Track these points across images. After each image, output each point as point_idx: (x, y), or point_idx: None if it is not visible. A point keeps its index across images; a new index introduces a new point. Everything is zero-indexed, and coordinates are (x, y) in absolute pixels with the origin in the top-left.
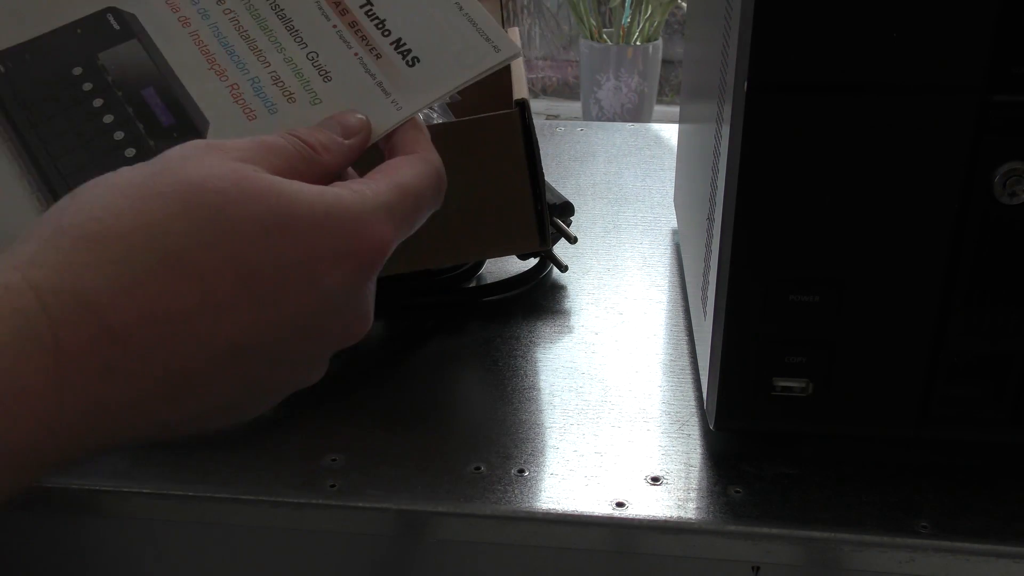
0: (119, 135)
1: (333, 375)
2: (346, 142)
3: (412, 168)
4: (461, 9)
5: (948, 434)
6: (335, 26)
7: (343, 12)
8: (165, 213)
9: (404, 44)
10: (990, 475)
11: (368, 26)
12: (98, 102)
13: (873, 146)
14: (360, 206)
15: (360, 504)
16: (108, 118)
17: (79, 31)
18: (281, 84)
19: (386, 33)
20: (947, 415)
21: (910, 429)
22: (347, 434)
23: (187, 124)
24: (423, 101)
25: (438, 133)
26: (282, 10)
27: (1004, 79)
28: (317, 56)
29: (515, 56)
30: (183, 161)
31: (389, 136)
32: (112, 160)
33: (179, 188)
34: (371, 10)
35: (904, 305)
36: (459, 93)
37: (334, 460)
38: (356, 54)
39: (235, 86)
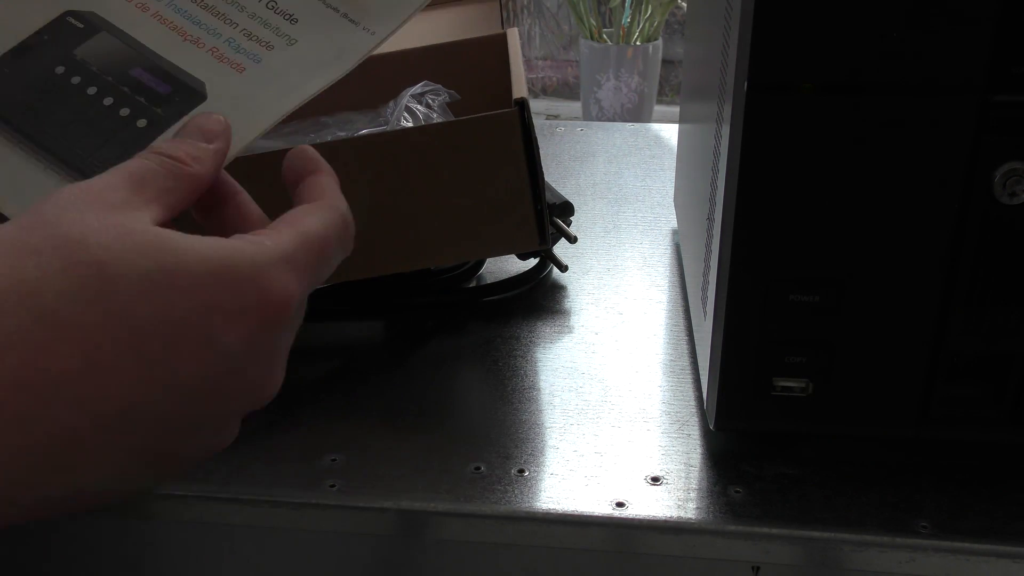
0: (125, 111)
1: (333, 375)
2: (211, 147)
3: (316, 216)
4: None
5: (948, 434)
6: None
7: None
8: (41, 271)
9: None
10: (990, 475)
11: None
12: (92, 90)
13: (873, 146)
14: (259, 257)
15: (360, 504)
16: (108, 100)
17: (45, 37)
18: (255, 38)
19: None
20: (947, 415)
21: (910, 429)
22: (347, 434)
23: (185, 88)
24: (392, 23)
25: (438, 133)
26: None
27: (1004, 79)
28: (276, 4)
29: None
30: (59, 215)
31: (296, 182)
32: (128, 135)
33: (57, 245)
34: None
35: (904, 305)
36: (459, 92)
37: (334, 460)
38: None
39: (215, 49)
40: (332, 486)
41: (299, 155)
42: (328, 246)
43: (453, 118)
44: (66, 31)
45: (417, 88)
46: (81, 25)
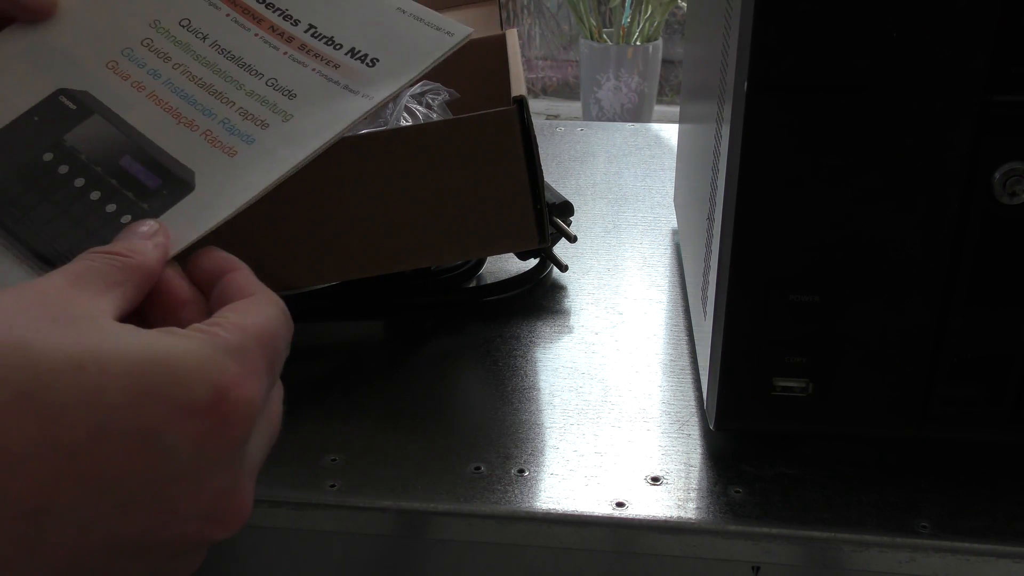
0: (111, 207)
1: (333, 375)
2: (149, 241)
3: (260, 311)
4: (404, 12)
5: (948, 434)
6: (285, 53)
7: (289, 40)
8: None
9: (359, 51)
10: (990, 475)
11: (318, 45)
12: (79, 181)
13: (873, 146)
14: (210, 349)
15: (360, 504)
16: (95, 194)
17: (36, 119)
18: (251, 117)
19: (338, 47)
20: (947, 415)
21: (910, 429)
22: (347, 434)
23: (173, 180)
24: (390, 89)
25: (437, 131)
26: (229, 51)
27: (1004, 79)
28: (277, 81)
29: (468, 36)
30: None
31: (211, 283)
32: (111, 231)
33: None
34: (316, 31)
35: (904, 305)
36: (458, 93)
37: (334, 460)
38: (314, 70)
39: (208, 132)
40: (332, 486)
41: (207, 256)
42: (278, 340)
43: (452, 116)
44: (57, 112)
45: (416, 88)
46: (73, 106)
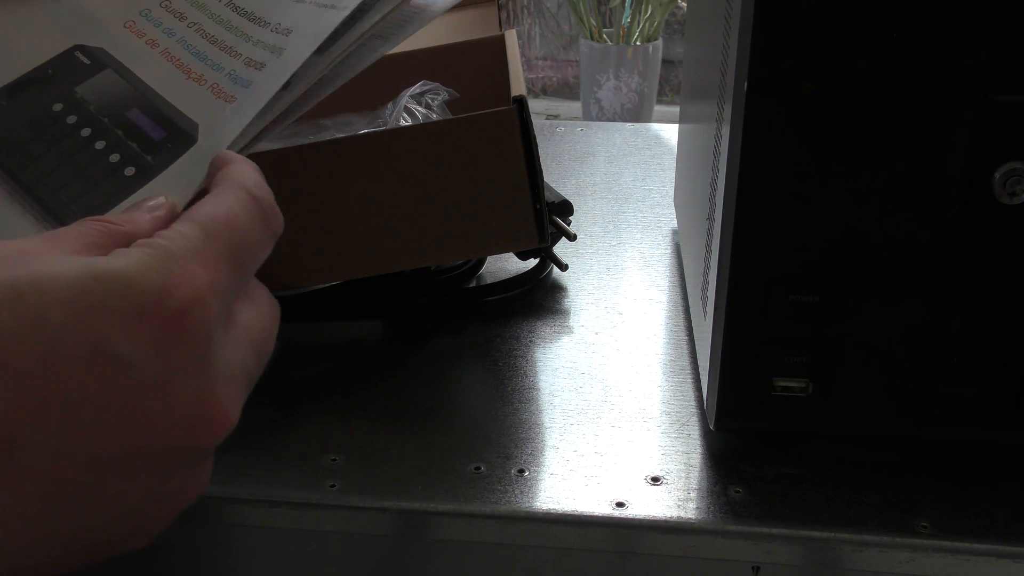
0: (115, 157)
1: (333, 375)
2: (149, 215)
3: (216, 201)
4: None
5: (948, 434)
6: None
7: None
8: None
9: None
10: (990, 475)
11: None
12: (86, 131)
13: (873, 146)
14: (147, 256)
15: (360, 504)
16: (100, 144)
17: (50, 71)
18: (253, 63)
19: None
20: (947, 415)
21: (910, 429)
22: (347, 434)
23: (178, 133)
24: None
25: (436, 131)
26: (243, 8)
27: (1004, 79)
28: (280, 24)
29: None
30: None
31: (211, 177)
32: (113, 183)
33: None
34: None
35: (904, 305)
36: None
37: (334, 460)
38: (310, 3)
39: (215, 85)
40: (332, 486)
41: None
42: (238, 227)
43: (451, 116)
44: (72, 66)
45: (416, 88)
46: (88, 61)
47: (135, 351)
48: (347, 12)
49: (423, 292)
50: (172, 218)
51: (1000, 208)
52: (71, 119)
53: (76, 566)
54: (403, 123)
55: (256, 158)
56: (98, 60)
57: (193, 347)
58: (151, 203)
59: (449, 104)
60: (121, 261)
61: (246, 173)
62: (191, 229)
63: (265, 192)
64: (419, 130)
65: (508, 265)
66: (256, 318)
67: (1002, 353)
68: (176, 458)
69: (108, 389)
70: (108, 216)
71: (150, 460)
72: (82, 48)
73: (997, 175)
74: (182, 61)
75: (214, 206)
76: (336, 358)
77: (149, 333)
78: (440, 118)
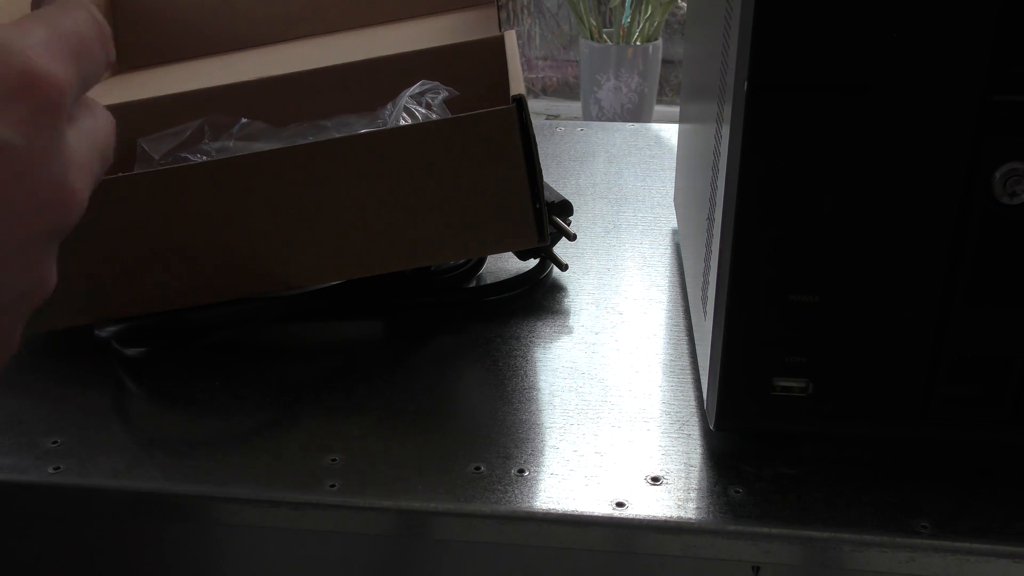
0: None
1: (333, 375)
2: None
3: (61, 10)
4: None
5: (948, 434)
6: None
7: None
8: None
9: None
10: (990, 475)
11: None
12: None
13: (873, 146)
14: (6, 41)
15: (360, 504)
16: None
17: None
18: None
19: None
20: (947, 415)
21: (910, 429)
22: (347, 434)
23: None
24: None
25: (435, 130)
26: None
27: (1004, 79)
28: None
29: None
30: None
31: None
32: None
33: None
34: None
35: (904, 305)
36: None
37: (334, 460)
38: None
39: None
40: (332, 486)
41: None
42: (84, 38)
43: (450, 115)
44: None
45: (415, 88)
46: None
47: (9, 133)
48: None
49: (423, 292)
50: None
51: (1000, 208)
52: None
53: None
54: (403, 123)
55: (256, 158)
56: None
57: (55, 133)
58: None
59: (449, 104)
60: None
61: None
62: (41, 23)
63: (103, 19)
64: (419, 130)
65: (508, 265)
66: (98, 124)
67: (1002, 353)
68: (38, 246)
69: None
70: None
71: (17, 249)
72: None
73: (997, 175)
74: None
75: (61, 14)
76: (336, 358)
77: (19, 114)
78: (440, 117)
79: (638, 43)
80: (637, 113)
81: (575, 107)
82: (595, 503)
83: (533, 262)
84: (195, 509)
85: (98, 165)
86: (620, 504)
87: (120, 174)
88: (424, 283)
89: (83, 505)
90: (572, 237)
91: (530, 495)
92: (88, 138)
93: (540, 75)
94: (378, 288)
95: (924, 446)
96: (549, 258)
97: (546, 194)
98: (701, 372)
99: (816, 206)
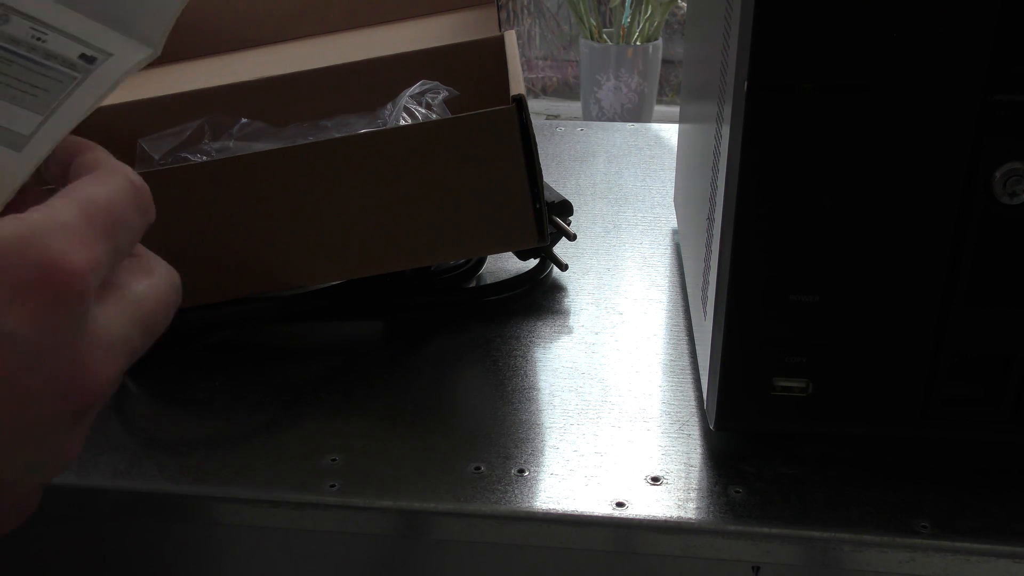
0: None
1: (333, 375)
2: None
3: (96, 183)
4: None
5: (948, 434)
6: None
7: None
8: None
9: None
10: (990, 475)
11: None
12: None
13: (873, 146)
14: (24, 230)
15: (360, 504)
16: None
17: None
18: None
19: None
20: (947, 415)
21: (910, 429)
22: (347, 434)
23: None
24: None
25: (435, 130)
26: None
27: (1004, 79)
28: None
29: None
30: None
31: (63, 172)
32: None
33: None
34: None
35: (904, 305)
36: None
37: (334, 460)
38: None
39: None
40: (332, 486)
41: (62, 146)
42: (118, 210)
43: (450, 115)
44: None
45: (415, 88)
46: None
47: (17, 326)
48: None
49: (423, 292)
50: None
51: (1000, 208)
52: None
53: None
54: (403, 123)
55: (256, 158)
56: None
57: (71, 321)
58: None
59: (449, 104)
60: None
61: (121, 163)
62: (70, 206)
63: (142, 182)
64: (418, 129)
65: (508, 265)
66: (150, 291)
67: (1002, 353)
68: (53, 427)
69: None
70: None
71: (28, 430)
72: None
73: (997, 175)
74: None
75: (97, 189)
76: (336, 358)
77: (30, 308)
78: (440, 117)
79: (638, 43)
80: (637, 113)
81: (575, 107)
82: (595, 503)
83: (533, 262)
84: (195, 509)
85: (140, 336)
86: (620, 504)
87: None
88: (424, 283)
89: (83, 505)
90: (572, 237)
91: (530, 495)
92: (129, 309)
93: (540, 75)
94: (378, 288)
95: (924, 446)
96: (549, 258)
97: (546, 194)
98: (701, 372)
99: (816, 206)
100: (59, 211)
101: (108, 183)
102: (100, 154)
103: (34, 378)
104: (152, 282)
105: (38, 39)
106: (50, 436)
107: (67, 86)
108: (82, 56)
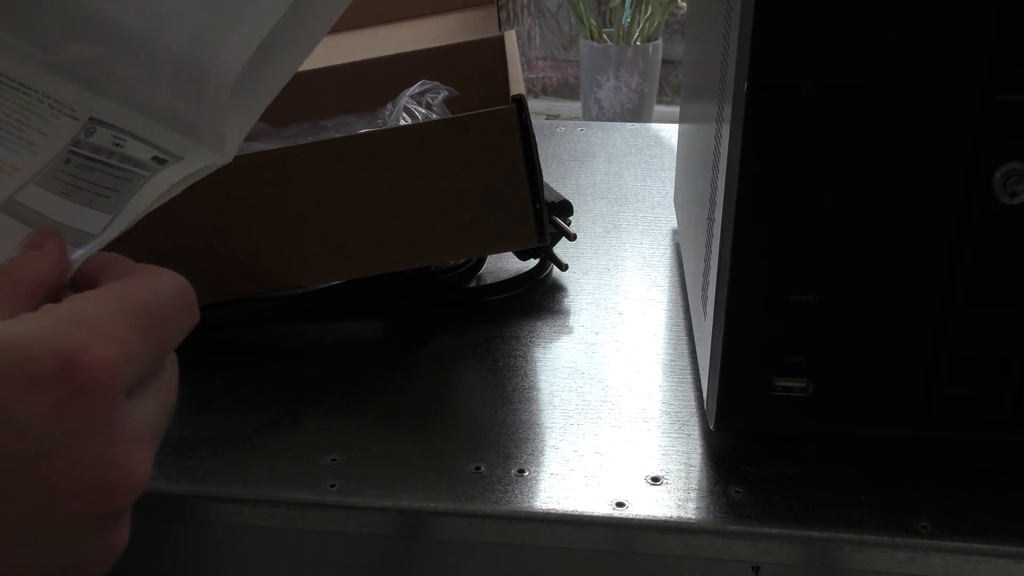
0: None
1: (333, 375)
2: (37, 251)
3: (136, 278)
4: None
5: (948, 434)
6: None
7: None
8: None
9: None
10: (990, 475)
11: None
12: None
13: (873, 146)
14: (49, 322)
15: (360, 504)
16: None
17: None
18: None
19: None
20: (947, 415)
21: (910, 429)
22: (347, 434)
23: None
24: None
25: (435, 130)
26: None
27: (1004, 79)
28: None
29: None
30: None
31: (99, 270)
32: None
33: None
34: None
35: (904, 305)
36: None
37: (334, 460)
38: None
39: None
40: (332, 486)
41: (101, 259)
42: (157, 307)
43: (451, 115)
44: None
45: (415, 88)
46: None
47: (33, 417)
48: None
49: (423, 292)
50: (58, 247)
51: (1000, 208)
52: None
53: None
54: (403, 123)
55: (256, 158)
56: None
57: (96, 414)
58: (33, 236)
59: (449, 104)
60: (19, 327)
61: (165, 269)
62: (103, 297)
63: (187, 283)
64: (418, 130)
65: (508, 265)
66: (167, 381)
67: (1002, 353)
68: (86, 523)
69: (7, 458)
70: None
71: (57, 528)
72: None
73: (997, 175)
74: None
75: (136, 282)
76: (336, 358)
77: (46, 399)
78: (440, 117)
79: (638, 43)
80: (637, 113)
81: (575, 107)
82: (595, 503)
83: (533, 262)
84: (195, 509)
85: (163, 417)
86: (620, 504)
87: None
88: (424, 283)
89: None
90: (572, 237)
91: (530, 495)
92: (155, 399)
93: (540, 75)
94: (378, 288)
95: (924, 446)
96: (549, 258)
97: (546, 194)
98: (701, 372)
99: (816, 206)
100: (90, 302)
101: (152, 281)
102: (133, 264)
103: (57, 471)
104: (168, 367)
105: (117, 144)
106: (86, 533)
107: (136, 186)
108: (154, 158)
